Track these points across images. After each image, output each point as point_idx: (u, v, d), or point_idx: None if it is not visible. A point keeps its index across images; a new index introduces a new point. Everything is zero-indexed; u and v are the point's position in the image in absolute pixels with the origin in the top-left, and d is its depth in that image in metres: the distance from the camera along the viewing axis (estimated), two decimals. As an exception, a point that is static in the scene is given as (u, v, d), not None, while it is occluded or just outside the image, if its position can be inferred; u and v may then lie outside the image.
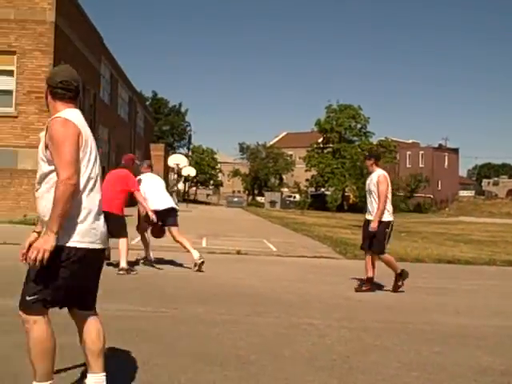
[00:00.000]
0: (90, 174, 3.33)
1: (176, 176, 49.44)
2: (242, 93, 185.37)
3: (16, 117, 17.79)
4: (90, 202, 3.32)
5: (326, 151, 69.03)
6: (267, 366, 4.65)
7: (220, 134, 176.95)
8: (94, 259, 3.39)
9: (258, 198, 76.26)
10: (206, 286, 8.26)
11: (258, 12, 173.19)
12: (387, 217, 8.28)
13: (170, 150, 68.63)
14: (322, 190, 68.86)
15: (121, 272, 8.90)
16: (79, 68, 22.77)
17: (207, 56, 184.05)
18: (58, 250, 3.18)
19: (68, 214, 3.17)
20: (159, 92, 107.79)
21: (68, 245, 3.21)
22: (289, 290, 8.35)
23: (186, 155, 60.84)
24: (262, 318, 6.38)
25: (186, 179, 61.79)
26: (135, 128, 46.11)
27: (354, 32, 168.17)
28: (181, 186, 51.19)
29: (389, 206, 8.31)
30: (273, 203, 63.57)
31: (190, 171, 50.23)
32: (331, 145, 68.40)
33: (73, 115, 3.32)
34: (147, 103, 68.75)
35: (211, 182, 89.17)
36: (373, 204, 8.32)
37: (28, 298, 3.22)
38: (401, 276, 8.44)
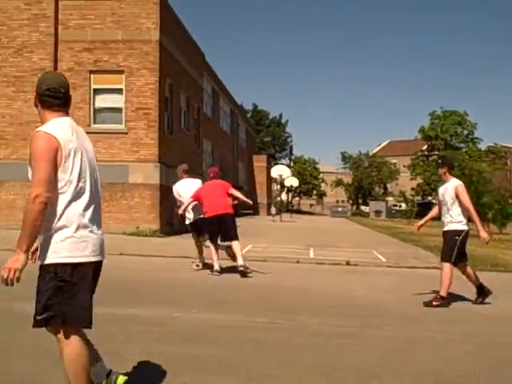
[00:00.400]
0: (77, 187, 3.19)
1: (279, 187, 49.58)
2: (343, 102, 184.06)
3: (126, 133, 18.46)
4: (77, 214, 3.18)
5: (431, 159, 67.08)
6: (387, 380, 4.39)
7: (321, 144, 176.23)
8: (89, 272, 3.27)
9: (363, 208, 75.18)
10: (318, 298, 8.07)
11: (355, 23, 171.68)
12: (461, 226, 7.79)
13: (272, 160, 69.12)
14: (429, 198, 66.80)
15: (241, 268, 9.72)
16: (184, 84, 23.50)
17: (306, 67, 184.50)
18: (50, 268, 3.13)
19: (39, 231, 3.08)
20: (259, 104, 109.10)
21: (60, 262, 3.13)
22: (402, 301, 8.00)
23: (288, 166, 60.98)
24: (379, 330, 6.10)
25: (289, 189, 61.90)
26: (237, 140, 46.81)
27: (456, 40, 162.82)
28: (284, 196, 51.29)
29: (465, 215, 7.82)
30: (378, 213, 62.37)
31: (293, 181, 50.25)
32: (436, 152, 66.37)
33: (56, 127, 3.17)
34: (248, 115, 69.70)
35: (314, 191, 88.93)
36: (447, 214, 7.88)
37: (38, 317, 3.17)
38: (441, 298, 7.82)
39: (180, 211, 10.50)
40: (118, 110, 18.74)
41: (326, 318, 6.58)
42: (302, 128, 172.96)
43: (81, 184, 3.21)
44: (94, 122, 18.69)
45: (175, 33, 21.32)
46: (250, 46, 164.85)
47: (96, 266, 3.34)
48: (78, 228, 3.16)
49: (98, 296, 6.89)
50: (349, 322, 6.43)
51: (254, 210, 51.17)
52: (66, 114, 3.32)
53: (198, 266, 10.58)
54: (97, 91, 18.79)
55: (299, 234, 23.92)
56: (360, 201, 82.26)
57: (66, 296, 3.15)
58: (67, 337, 3.18)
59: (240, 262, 9.83)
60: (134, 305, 6.95)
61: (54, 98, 3.25)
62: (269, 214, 40.98)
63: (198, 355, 4.85)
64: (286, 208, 62.33)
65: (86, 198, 3.23)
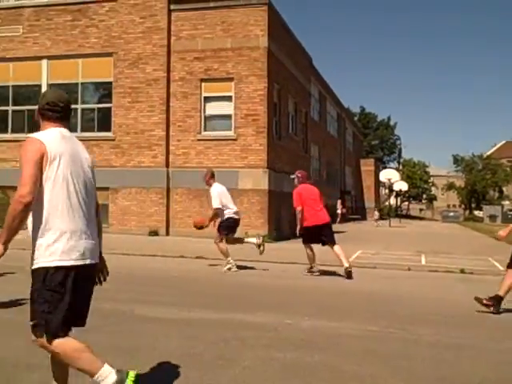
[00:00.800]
0: (61, 191, 3.30)
1: (387, 191, 48.56)
2: (453, 103, 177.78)
3: (235, 139, 18.81)
4: (63, 219, 3.28)
5: (552, 159, 63.20)
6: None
7: (431, 147, 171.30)
8: (78, 275, 3.31)
9: (476, 212, 72.02)
10: (430, 307, 7.79)
11: (460, 28, 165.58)
12: None
13: (380, 164, 67.86)
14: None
15: (349, 269, 10.09)
16: (292, 89, 23.62)
17: (414, 69, 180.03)
18: (40, 272, 3.23)
19: (19, 228, 3.21)
20: (367, 107, 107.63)
21: (49, 266, 3.21)
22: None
23: (397, 169, 59.69)
24: (503, 344, 5.78)
25: (398, 194, 60.52)
26: (344, 144, 46.39)
27: None
28: (392, 200, 50.22)
29: None
30: (492, 217, 59.47)
31: (402, 186, 49.06)
32: (558, 151, 62.45)
33: (45, 134, 3.36)
34: (355, 118, 68.92)
35: (424, 196, 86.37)
36: None
37: (30, 323, 3.26)
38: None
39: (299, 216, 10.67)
40: (228, 116, 19.13)
41: (439, 328, 6.33)
42: (411, 130, 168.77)
43: (66, 190, 3.33)
44: (205, 130, 19.20)
45: (283, 38, 21.48)
46: (356, 49, 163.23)
47: (87, 270, 3.39)
48: (65, 233, 3.28)
49: (211, 301, 7.08)
50: (465, 334, 6.16)
51: (361, 214, 50.46)
52: (63, 125, 3.51)
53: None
54: (207, 99, 19.29)
55: (409, 239, 23.28)
56: (473, 205, 78.91)
57: (55, 300, 3.25)
58: (54, 345, 3.28)
59: (346, 263, 10.19)
60: (246, 310, 7.04)
61: (53, 111, 3.46)
62: (376, 219, 40.28)
63: (309, 362, 4.83)
64: (395, 213, 60.97)
65: (74, 203, 3.35)
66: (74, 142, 3.54)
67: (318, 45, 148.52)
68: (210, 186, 10.83)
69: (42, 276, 3.24)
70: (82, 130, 19.81)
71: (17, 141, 20.01)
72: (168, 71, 19.31)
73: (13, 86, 20.53)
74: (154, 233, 17.97)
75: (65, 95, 3.60)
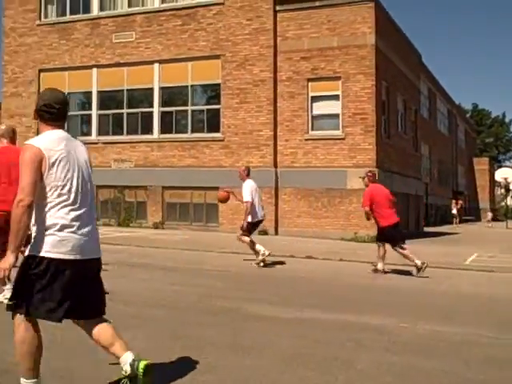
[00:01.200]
0: (60, 192, 3.48)
1: (503, 191, 46.20)
2: None
3: (343, 138, 18.54)
4: (59, 215, 3.46)
5: None
6: None
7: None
8: (66, 268, 3.45)
9: None
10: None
11: None
12: None
13: (495, 163, 64.75)
14: None
15: (421, 265, 10.08)
16: (400, 87, 23.00)
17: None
18: (28, 259, 3.44)
19: (25, 232, 3.38)
20: (480, 103, 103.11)
21: (36, 254, 3.42)
22: None
23: (514, 168, 56.61)
24: None
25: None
26: (456, 142, 44.68)
27: None
28: (510, 201, 47.81)
29: None
30: None
31: (519, 185, 46.45)
32: None
33: (43, 140, 3.52)
34: (467, 116, 66.19)
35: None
36: None
37: (9, 302, 3.46)
38: None
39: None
40: (335, 116, 18.88)
41: None
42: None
43: (65, 190, 3.51)
44: (312, 129, 19.06)
45: (390, 35, 20.95)
46: (467, 43, 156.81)
47: (76, 264, 3.49)
48: (60, 229, 3.45)
49: (322, 301, 6.90)
50: None
51: (475, 215, 48.38)
52: (60, 127, 3.64)
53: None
54: (314, 98, 19.14)
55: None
56: None
57: (36, 288, 3.41)
58: (19, 323, 3.46)
59: (417, 261, 10.17)
60: (358, 311, 6.85)
61: (49, 113, 3.59)
62: (489, 220, 38.41)
63: (428, 368, 4.59)
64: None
65: (69, 201, 3.52)
66: (72, 142, 3.66)
67: (428, 40, 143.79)
68: (244, 181, 11.41)
69: (29, 263, 3.44)
70: (192, 131, 20.29)
71: (132, 142, 20.91)
72: (275, 72, 19.35)
73: (127, 89, 21.38)
74: (264, 232, 18.06)
75: (61, 96, 3.70)
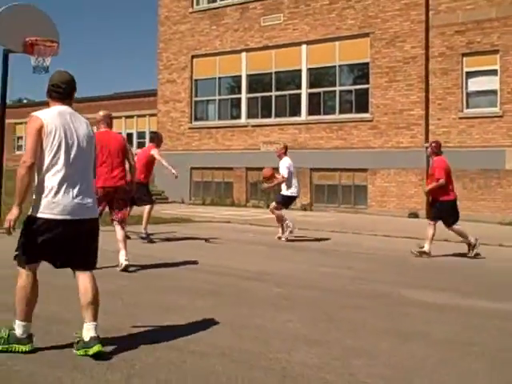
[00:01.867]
0: (53, 158, 4.03)
1: None
2: None
3: (501, 116, 17.38)
4: (53, 180, 4.02)
5: None
6: None
7: None
8: (58, 227, 4.01)
9: None
10: None
11: None
12: None
13: None
14: None
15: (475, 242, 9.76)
16: None
17: None
18: (28, 219, 4.05)
19: (27, 189, 3.96)
20: None
21: (34, 215, 4.01)
22: None
23: None
24: None
25: None
26: None
27: None
28: None
29: None
30: None
31: None
32: None
33: (45, 112, 4.13)
34: None
35: None
36: None
37: (15, 253, 4.09)
38: None
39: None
40: (493, 92, 17.73)
41: None
42: None
43: (57, 156, 4.04)
44: (467, 107, 18.06)
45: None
46: None
47: (74, 224, 4.06)
48: (52, 192, 4.01)
49: (486, 289, 6.47)
50: None
51: None
52: (65, 103, 4.22)
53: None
54: (469, 74, 18.10)
55: None
56: None
57: (29, 241, 4.02)
58: (21, 271, 4.06)
59: (472, 239, 9.78)
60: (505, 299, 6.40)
61: (55, 92, 4.20)
62: None
63: None
64: None
65: (60, 166, 4.04)
66: (73, 117, 4.21)
67: None
68: (281, 158, 12.03)
69: (28, 221, 4.05)
70: (340, 112, 20.06)
71: (280, 124, 21.11)
72: (426, 48, 18.51)
73: (275, 72, 21.57)
74: (414, 215, 17.50)
75: (67, 77, 4.27)
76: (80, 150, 4.15)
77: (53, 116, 4.11)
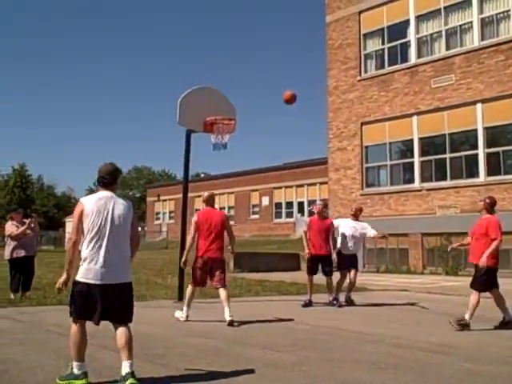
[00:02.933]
0: (90, 233, 5.12)
1: None
2: None
3: None
4: (88, 251, 5.11)
5: None
6: None
7: None
8: (92, 289, 5.04)
9: None
10: None
11: None
12: None
13: None
14: None
15: None
16: None
17: None
18: (74, 282, 5.12)
19: (72, 259, 5.13)
20: None
21: (77, 279, 5.09)
22: None
23: None
24: None
25: None
26: None
27: None
28: None
29: None
30: None
31: None
32: None
33: (89, 197, 5.30)
34: None
35: None
36: None
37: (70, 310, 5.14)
38: None
39: None
40: None
41: None
42: None
43: (93, 232, 5.11)
44: None
45: None
46: None
47: (106, 288, 5.05)
48: (87, 261, 5.09)
49: None
50: None
51: None
52: (108, 189, 5.30)
53: None
54: None
55: None
56: None
57: (74, 299, 5.08)
58: (72, 324, 5.12)
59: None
60: None
61: (101, 181, 5.32)
62: None
63: None
64: None
65: (95, 241, 5.10)
66: (111, 200, 5.23)
67: None
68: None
69: (73, 284, 5.11)
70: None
71: (456, 187, 20.26)
72: None
73: (448, 133, 20.91)
74: None
75: (111, 168, 5.33)
76: (113, 228, 5.16)
77: (92, 201, 5.21)
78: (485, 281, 8.28)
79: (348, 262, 11.34)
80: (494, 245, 8.23)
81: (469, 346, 7.11)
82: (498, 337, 7.97)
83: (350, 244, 11.38)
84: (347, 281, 11.49)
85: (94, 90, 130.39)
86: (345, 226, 11.54)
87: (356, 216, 11.70)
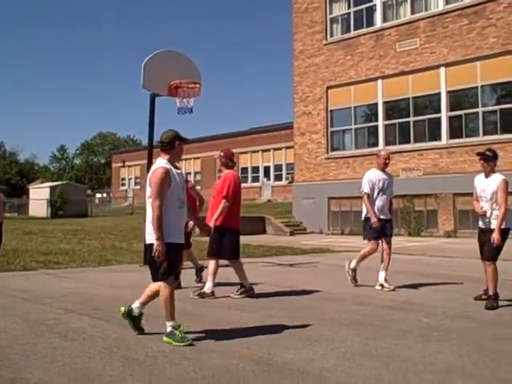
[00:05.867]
0: (171, 197, 5.31)
1: None
2: None
3: None
4: (174, 215, 5.31)
5: None
6: None
7: None
8: (180, 249, 5.48)
9: None
10: None
11: None
12: None
13: None
14: None
15: None
16: None
17: None
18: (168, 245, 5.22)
19: (161, 226, 5.17)
20: None
21: (170, 241, 5.25)
22: None
23: None
24: None
25: None
26: None
27: None
28: None
29: None
30: None
31: None
32: None
33: (165, 162, 5.40)
34: None
35: None
36: None
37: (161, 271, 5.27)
38: None
39: None
40: None
41: None
42: None
43: (174, 199, 5.31)
44: None
45: None
46: None
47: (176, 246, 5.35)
48: (173, 224, 5.27)
49: None
50: None
51: None
52: (169, 154, 5.48)
53: None
54: None
55: None
56: None
57: (169, 262, 5.24)
58: (165, 285, 5.28)
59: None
60: None
61: (161, 146, 5.52)
62: None
63: None
64: None
65: (176, 205, 5.37)
66: (174, 166, 5.48)
67: None
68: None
69: (169, 247, 5.21)
70: (484, 134, 19.18)
71: (419, 150, 20.55)
72: None
73: (412, 97, 21.11)
74: None
75: (169, 134, 5.51)
76: (183, 191, 5.49)
77: (167, 165, 5.35)
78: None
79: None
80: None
81: (429, 304, 7.33)
82: (459, 293, 8.22)
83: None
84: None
85: (57, 56, 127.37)
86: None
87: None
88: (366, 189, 8.72)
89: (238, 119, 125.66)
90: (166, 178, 5.24)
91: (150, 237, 5.29)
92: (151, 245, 5.25)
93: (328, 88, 23.45)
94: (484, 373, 4.36)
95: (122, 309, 5.55)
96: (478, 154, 7.70)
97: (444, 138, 20.13)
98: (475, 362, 4.62)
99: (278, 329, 5.76)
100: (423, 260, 12.81)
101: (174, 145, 5.47)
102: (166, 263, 5.19)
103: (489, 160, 7.51)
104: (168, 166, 5.37)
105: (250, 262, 11.90)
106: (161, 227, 5.15)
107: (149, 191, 5.34)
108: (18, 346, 5.07)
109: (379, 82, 21.92)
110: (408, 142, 21.20)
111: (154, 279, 5.39)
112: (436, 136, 20.49)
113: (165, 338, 5.20)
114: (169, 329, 5.23)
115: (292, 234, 21.47)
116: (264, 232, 22.09)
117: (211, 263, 7.83)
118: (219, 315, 6.57)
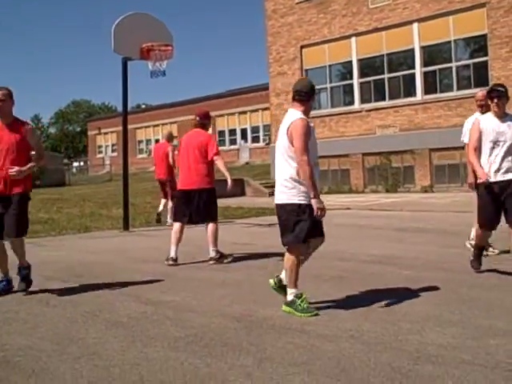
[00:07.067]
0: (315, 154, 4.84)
1: None
2: None
3: None
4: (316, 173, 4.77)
5: None
6: None
7: None
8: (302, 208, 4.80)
9: None
10: None
11: None
12: None
13: None
14: None
15: None
16: None
17: None
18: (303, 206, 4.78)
19: (315, 182, 4.72)
20: None
21: (297, 202, 4.78)
22: None
23: None
24: None
25: None
26: None
27: None
28: None
29: None
30: None
31: None
32: None
33: (302, 114, 4.80)
34: None
35: None
36: None
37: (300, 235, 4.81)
38: None
39: None
40: None
41: None
42: None
43: (310, 153, 4.71)
44: None
45: None
46: None
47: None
48: (302, 184, 4.72)
49: None
50: None
51: None
52: (304, 106, 4.86)
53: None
54: None
55: None
56: None
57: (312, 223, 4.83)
58: (294, 250, 4.87)
59: None
60: None
61: (297, 95, 4.89)
62: None
63: None
64: None
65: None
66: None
67: None
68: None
69: (296, 207, 4.75)
70: (458, 89, 19.26)
71: (395, 106, 20.60)
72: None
73: (387, 54, 21.05)
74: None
75: (307, 83, 4.99)
76: (316, 148, 4.97)
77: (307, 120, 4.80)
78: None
79: None
80: None
81: (409, 256, 7.46)
82: (437, 246, 8.36)
83: None
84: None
85: (27, 23, 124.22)
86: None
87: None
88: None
89: (215, 82, 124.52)
90: (308, 131, 4.70)
91: (283, 196, 4.81)
92: (283, 205, 4.80)
93: (302, 47, 23.25)
94: (461, 319, 4.47)
95: (271, 281, 5.11)
96: (489, 92, 6.30)
97: (419, 94, 20.18)
98: (452, 311, 4.73)
99: (258, 287, 5.82)
100: (401, 215, 12.96)
101: (310, 96, 4.89)
102: (309, 223, 4.72)
103: (502, 96, 6.10)
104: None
105: (231, 223, 11.95)
106: (315, 184, 4.66)
107: (282, 146, 4.80)
108: (0, 313, 5.08)
109: (353, 39, 21.77)
110: (383, 99, 21.22)
111: (285, 242, 4.88)
112: (411, 92, 20.52)
113: (284, 307, 4.81)
114: (290, 297, 4.80)
115: (271, 195, 21.46)
116: (243, 194, 22.12)
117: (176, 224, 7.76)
118: (201, 276, 6.63)
